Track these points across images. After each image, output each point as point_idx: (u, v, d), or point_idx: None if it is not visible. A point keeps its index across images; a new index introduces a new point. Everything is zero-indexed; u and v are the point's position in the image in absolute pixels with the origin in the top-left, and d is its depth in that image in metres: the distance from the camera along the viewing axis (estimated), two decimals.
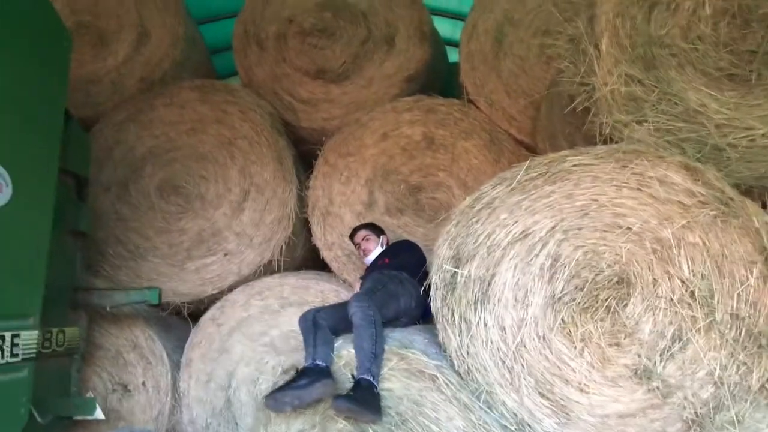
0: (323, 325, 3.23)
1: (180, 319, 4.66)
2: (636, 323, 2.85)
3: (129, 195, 4.65)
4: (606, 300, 2.89)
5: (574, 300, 2.92)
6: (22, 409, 2.61)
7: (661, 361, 2.79)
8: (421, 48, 5.07)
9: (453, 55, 6.05)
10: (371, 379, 2.85)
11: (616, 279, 2.90)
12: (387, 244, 4.27)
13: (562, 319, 2.91)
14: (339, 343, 3.21)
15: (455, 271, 3.02)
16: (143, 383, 4.19)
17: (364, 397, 2.76)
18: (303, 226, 4.88)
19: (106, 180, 4.64)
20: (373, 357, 2.91)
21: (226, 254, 4.53)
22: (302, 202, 4.79)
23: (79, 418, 3.50)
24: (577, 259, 2.92)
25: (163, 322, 4.53)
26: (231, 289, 4.51)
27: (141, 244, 4.55)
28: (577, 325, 2.90)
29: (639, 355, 2.81)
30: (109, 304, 3.77)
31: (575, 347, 2.88)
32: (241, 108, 4.73)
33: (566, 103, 3.55)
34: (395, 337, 3.16)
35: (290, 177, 4.65)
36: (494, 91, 4.79)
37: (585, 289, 2.91)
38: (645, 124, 3.07)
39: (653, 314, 2.83)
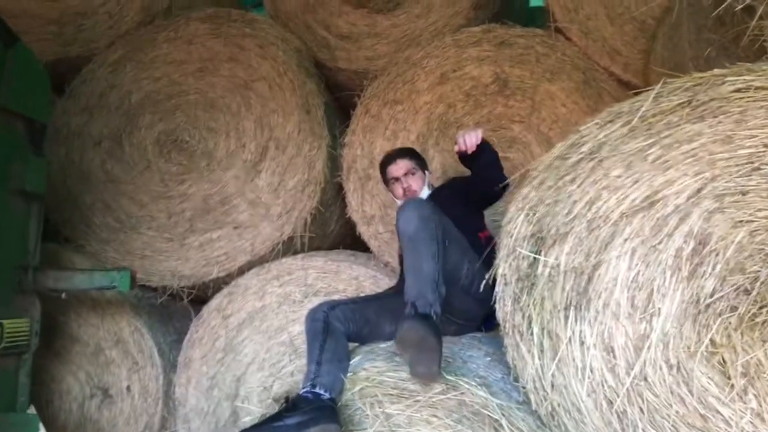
0: (338, 331, 2.22)
1: (184, 306, 3.79)
2: None
3: (122, 151, 3.80)
4: None
5: (735, 310, 1.82)
6: None
7: None
8: None
9: None
10: (435, 317, 1.96)
11: None
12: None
13: (712, 340, 1.83)
14: (357, 359, 2.19)
15: (535, 258, 1.98)
16: (128, 387, 3.39)
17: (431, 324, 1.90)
18: (336, 193, 3.93)
19: (97, 133, 3.80)
20: (434, 286, 2.00)
21: (236, 227, 3.64)
22: (335, 163, 3.83)
23: None
24: (740, 243, 1.82)
25: (160, 311, 3.71)
26: (242, 271, 3.65)
27: (134, 213, 3.70)
28: (736, 350, 1.81)
29: None
30: (65, 289, 2.88)
31: (732, 385, 1.80)
32: (260, 42, 3.79)
33: (708, 11, 2.42)
34: None
35: (320, 130, 3.68)
36: (592, 15, 3.69)
37: (754, 293, 1.81)
38: None
39: None
